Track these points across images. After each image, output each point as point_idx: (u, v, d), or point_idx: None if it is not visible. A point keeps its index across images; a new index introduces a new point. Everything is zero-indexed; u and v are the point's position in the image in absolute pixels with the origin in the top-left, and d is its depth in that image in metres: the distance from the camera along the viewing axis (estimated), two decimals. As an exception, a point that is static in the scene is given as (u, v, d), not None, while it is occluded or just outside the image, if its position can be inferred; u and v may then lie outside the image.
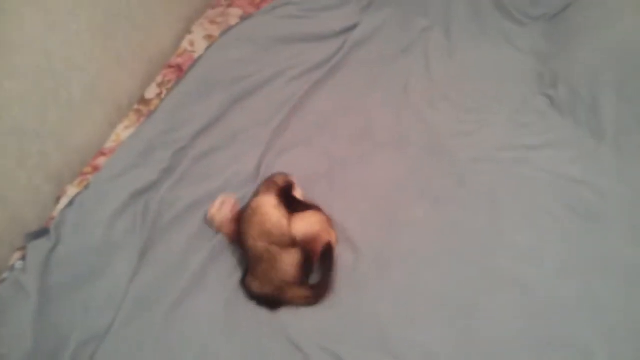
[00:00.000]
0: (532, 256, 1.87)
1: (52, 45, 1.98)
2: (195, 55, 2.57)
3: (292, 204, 1.92)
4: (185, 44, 2.65)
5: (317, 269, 1.83)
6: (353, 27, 2.65)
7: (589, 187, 2.04)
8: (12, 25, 1.79)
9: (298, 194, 1.98)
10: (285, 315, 1.74)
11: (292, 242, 1.80)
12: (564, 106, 2.29)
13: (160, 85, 2.48)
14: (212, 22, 2.77)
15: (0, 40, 1.75)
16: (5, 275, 1.81)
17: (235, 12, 2.83)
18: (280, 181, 1.96)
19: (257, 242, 1.78)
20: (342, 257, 1.88)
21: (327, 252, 1.83)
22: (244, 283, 1.80)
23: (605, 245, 1.89)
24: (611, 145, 2.14)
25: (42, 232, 1.90)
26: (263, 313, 1.76)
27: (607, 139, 2.16)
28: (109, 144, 2.25)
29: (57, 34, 1.98)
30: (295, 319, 1.73)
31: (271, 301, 1.77)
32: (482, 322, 1.72)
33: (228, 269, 1.86)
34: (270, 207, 1.85)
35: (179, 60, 2.57)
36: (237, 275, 1.84)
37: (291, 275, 1.76)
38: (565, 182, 2.06)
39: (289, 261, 1.76)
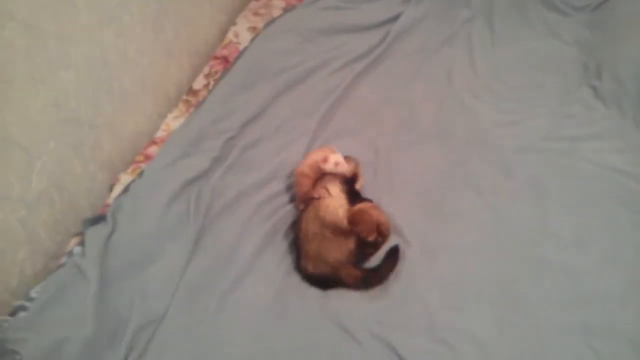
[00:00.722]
0: (578, 246, 1.89)
1: (106, 38, 2.03)
2: (240, 47, 2.62)
3: (353, 196, 1.96)
4: (230, 36, 2.70)
5: (380, 259, 1.86)
6: (395, 18, 2.67)
7: (634, 179, 2.05)
8: (69, 17, 1.84)
9: (360, 184, 2.02)
10: (337, 302, 1.78)
11: (345, 232, 1.84)
12: (608, 97, 2.29)
13: (207, 76, 2.53)
14: (256, 13, 2.81)
15: (57, 32, 1.80)
16: (64, 260, 1.87)
17: (278, 4, 2.87)
18: (347, 170, 1.99)
19: (309, 225, 1.83)
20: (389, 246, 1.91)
21: (394, 250, 1.85)
22: (298, 267, 1.85)
23: (651, 236, 1.90)
24: (657, 137, 2.15)
25: (98, 219, 1.96)
26: (314, 300, 1.80)
27: (653, 130, 2.16)
28: (160, 134, 2.31)
29: (110, 26, 2.03)
30: (346, 306, 1.77)
31: (325, 281, 1.82)
32: (528, 311, 1.75)
33: (279, 256, 1.90)
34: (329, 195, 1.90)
35: (225, 52, 2.62)
36: (288, 262, 1.89)
37: (342, 260, 1.81)
38: (610, 173, 2.08)
39: (341, 248, 1.80)
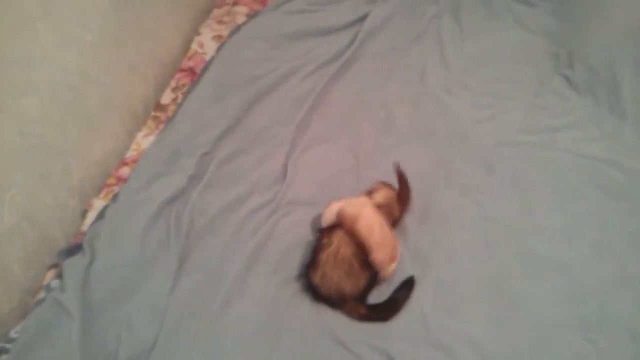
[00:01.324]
0: (567, 238, 1.88)
1: (68, 59, 1.94)
2: (207, 57, 2.56)
3: None
4: (194, 46, 2.63)
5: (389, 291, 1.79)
6: (363, 18, 2.63)
7: (614, 166, 2.06)
8: (28, 41, 1.75)
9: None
10: (331, 315, 1.74)
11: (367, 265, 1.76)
12: (582, 86, 2.30)
13: (174, 89, 2.46)
14: (220, 21, 2.75)
15: (17, 57, 1.71)
16: (42, 295, 1.80)
17: (242, 10, 2.81)
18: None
19: (342, 245, 1.74)
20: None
21: (408, 284, 1.79)
22: (309, 275, 1.78)
23: (635, 223, 1.92)
24: (633, 123, 2.17)
25: (74, 249, 1.88)
26: (307, 315, 1.75)
27: (628, 116, 2.18)
28: (130, 153, 2.23)
29: (72, 47, 1.95)
30: (340, 320, 1.72)
31: (323, 299, 1.77)
32: (523, 308, 1.73)
33: (268, 272, 1.85)
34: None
35: (191, 63, 2.55)
36: (278, 277, 1.83)
37: (355, 295, 1.74)
38: (591, 162, 2.08)
39: (358, 283, 1.74)
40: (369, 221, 1.76)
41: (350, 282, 1.72)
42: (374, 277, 1.77)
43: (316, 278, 1.75)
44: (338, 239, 1.75)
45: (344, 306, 1.74)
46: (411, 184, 1.98)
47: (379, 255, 1.73)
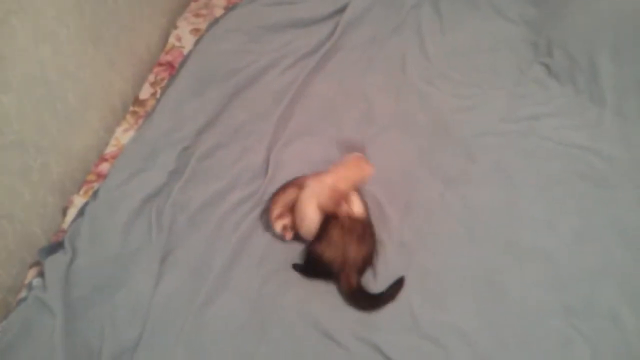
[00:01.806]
0: (550, 226, 1.89)
1: (44, 55, 1.91)
2: (185, 51, 2.53)
3: None
4: (172, 40, 2.60)
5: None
6: (342, 9, 2.60)
7: (595, 154, 2.07)
8: (3, 37, 1.72)
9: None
10: (316, 307, 1.73)
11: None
12: (562, 74, 2.31)
13: (153, 84, 2.43)
14: (197, 14, 2.72)
15: (-8, 54, 1.69)
16: (23, 294, 1.77)
17: (219, 3, 2.78)
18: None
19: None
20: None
21: (399, 282, 1.78)
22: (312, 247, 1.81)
23: (617, 210, 1.93)
24: (612, 110, 2.18)
25: (55, 247, 1.86)
26: (293, 308, 1.74)
27: (608, 104, 2.19)
28: (110, 149, 2.20)
29: (48, 42, 1.91)
30: (326, 311, 1.72)
31: (320, 270, 1.79)
32: (508, 296, 1.74)
33: (252, 266, 1.84)
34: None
35: (169, 57, 2.52)
36: (262, 270, 1.83)
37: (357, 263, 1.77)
38: (572, 150, 2.09)
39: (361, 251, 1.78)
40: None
41: (356, 247, 1.75)
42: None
43: (321, 246, 1.77)
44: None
45: (340, 274, 1.74)
46: (394, 176, 2.00)
47: None
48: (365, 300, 1.74)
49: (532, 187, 1.99)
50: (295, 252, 1.87)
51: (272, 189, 1.99)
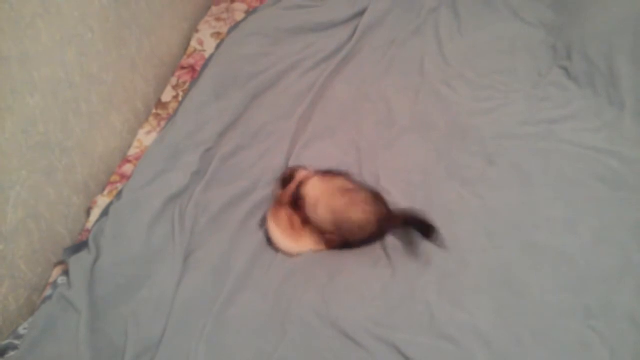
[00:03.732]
0: (568, 229, 1.88)
1: (69, 57, 1.95)
2: (206, 54, 2.57)
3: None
4: (194, 44, 2.64)
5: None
6: (361, 12, 2.63)
7: (614, 157, 2.06)
8: (30, 39, 1.76)
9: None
10: (335, 307, 1.74)
11: None
12: (580, 77, 2.31)
13: (175, 87, 2.47)
14: (218, 19, 2.76)
15: (20, 55, 1.72)
16: (49, 292, 1.81)
17: (240, 7, 2.82)
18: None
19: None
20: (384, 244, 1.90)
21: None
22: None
23: (636, 212, 1.91)
24: (632, 113, 2.16)
25: (80, 246, 1.90)
26: (312, 307, 1.75)
27: (627, 107, 2.18)
28: (133, 151, 2.25)
29: (72, 45, 1.96)
30: (345, 310, 1.73)
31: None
32: (526, 297, 1.74)
33: (272, 267, 1.86)
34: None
35: (191, 61, 2.56)
36: (282, 271, 1.85)
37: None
38: (591, 153, 2.08)
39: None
40: None
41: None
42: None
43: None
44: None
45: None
46: (412, 177, 2.02)
47: None
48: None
49: (550, 189, 1.99)
50: (315, 253, 1.90)
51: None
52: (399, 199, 1.99)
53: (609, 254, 1.82)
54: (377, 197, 1.89)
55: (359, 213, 1.82)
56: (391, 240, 1.90)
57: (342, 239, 1.87)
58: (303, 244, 1.88)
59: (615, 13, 2.31)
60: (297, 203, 1.87)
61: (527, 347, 1.64)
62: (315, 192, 1.86)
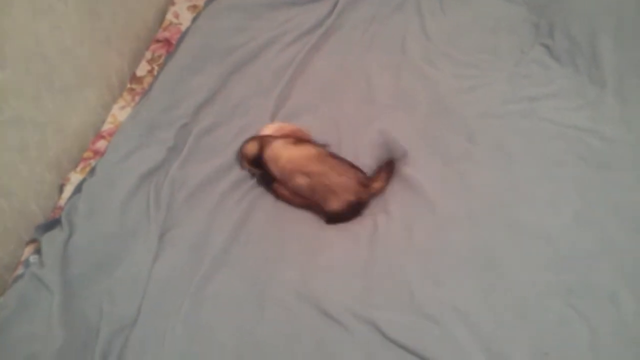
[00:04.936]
0: (550, 207, 1.89)
1: (42, 30, 1.89)
2: (182, 28, 2.51)
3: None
4: (169, 17, 2.57)
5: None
6: (343, -14, 2.59)
7: (595, 135, 2.06)
8: (1, 12, 1.70)
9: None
10: (315, 285, 1.73)
11: None
12: (562, 55, 2.30)
13: (150, 61, 2.41)
14: (195, -9, 2.69)
15: (-11, 28, 1.67)
16: (20, 271, 1.77)
17: (218, -20, 2.74)
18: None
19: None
20: (363, 224, 1.88)
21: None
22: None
23: (617, 191, 1.92)
24: (613, 92, 2.16)
25: (53, 223, 1.86)
26: (292, 285, 1.73)
27: (608, 86, 2.17)
28: (107, 126, 2.19)
29: (45, 17, 1.89)
30: (325, 289, 1.72)
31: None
32: (507, 276, 1.73)
33: (251, 244, 1.84)
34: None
35: (166, 34, 2.50)
36: (261, 248, 1.83)
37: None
38: (572, 131, 2.08)
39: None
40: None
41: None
42: None
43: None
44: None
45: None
46: (393, 155, 1.99)
47: None
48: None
49: (532, 168, 1.98)
50: (295, 231, 1.87)
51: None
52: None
53: (590, 233, 1.82)
54: (353, 165, 1.92)
55: (336, 177, 1.84)
56: (370, 218, 1.88)
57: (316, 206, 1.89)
58: None
59: (597, -8, 2.30)
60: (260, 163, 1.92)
61: (507, 325, 1.64)
62: (290, 157, 1.89)
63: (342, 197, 1.83)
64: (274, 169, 1.90)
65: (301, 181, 1.85)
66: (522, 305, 1.68)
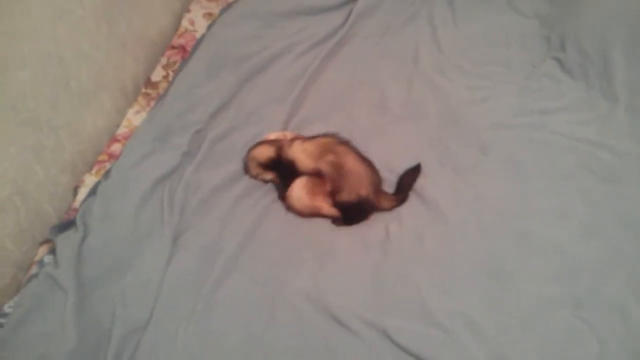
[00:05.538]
0: (559, 219, 1.90)
1: (60, 33, 1.91)
2: (197, 35, 2.53)
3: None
4: (185, 23, 2.60)
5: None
6: (355, -3, 2.61)
7: (605, 149, 2.07)
8: (21, 14, 1.72)
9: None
10: (325, 291, 1.74)
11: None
12: (574, 69, 2.31)
13: (165, 67, 2.44)
14: (210, -1, 2.73)
15: (10, 30, 1.68)
16: (34, 270, 1.79)
17: (232, -12, 2.77)
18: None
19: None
20: (374, 231, 1.89)
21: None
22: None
23: (626, 204, 1.93)
24: (624, 106, 2.17)
25: (67, 225, 1.88)
26: (302, 292, 1.75)
27: (619, 100, 2.18)
28: (122, 130, 2.22)
29: (63, 20, 1.92)
30: (335, 295, 1.73)
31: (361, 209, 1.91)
32: (516, 286, 1.75)
33: (262, 250, 1.85)
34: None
35: (181, 41, 2.53)
36: (273, 254, 1.84)
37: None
38: (582, 145, 2.09)
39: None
40: None
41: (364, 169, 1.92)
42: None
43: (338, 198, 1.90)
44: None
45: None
46: (405, 165, 2.03)
47: None
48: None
49: (542, 180, 1.99)
50: (307, 237, 1.89)
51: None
52: (390, 186, 1.99)
53: (599, 245, 1.83)
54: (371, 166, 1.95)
55: (354, 162, 1.89)
56: (381, 226, 1.90)
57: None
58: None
59: (609, 6, 2.31)
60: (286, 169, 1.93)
61: (515, 335, 1.65)
62: (306, 152, 1.93)
63: (354, 191, 1.86)
64: (303, 160, 1.92)
65: (326, 166, 1.89)
66: (530, 316, 1.69)
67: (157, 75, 2.41)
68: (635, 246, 1.82)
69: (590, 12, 2.35)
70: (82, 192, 2.00)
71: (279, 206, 1.96)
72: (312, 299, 1.73)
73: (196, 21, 2.61)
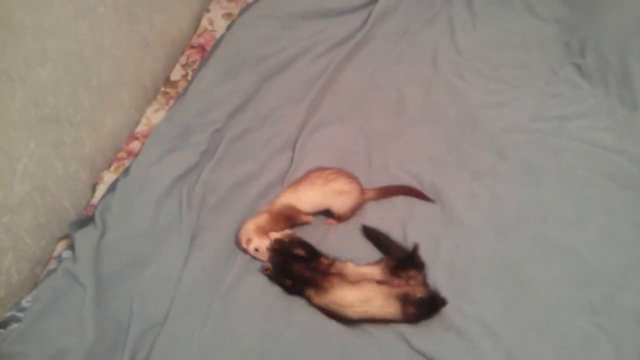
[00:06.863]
0: (576, 225, 1.89)
1: (82, 30, 1.93)
2: (217, 34, 2.55)
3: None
4: (204, 23, 2.62)
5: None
6: (374, 0, 2.61)
7: (624, 156, 2.06)
8: (44, 11, 1.74)
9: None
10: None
11: None
12: (593, 75, 2.30)
13: (184, 66, 2.45)
14: (229, -1, 2.74)
15: (32, 26, 1.70)
16: (52, 265, 1.80)
17: (252, -12, 2.78)
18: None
19: None
20: (393, 234, 1.88)
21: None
22: None
23: (644, 212, 1.92)
24: (644, 114, 2.16)
25: (85, 221, 1.89)
26: (319, 293, 1.75)
27: (639, 107, 2.16)
28: (141, 128, 2.23)
29: (86, 18, 1.93)
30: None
31: None
32: (533, 292, 1.74)
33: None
34: None
35: (201, 40, 2.54)
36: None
37: None
38: (601, 151, 2.08)
39: None
40: None
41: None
42: None
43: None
44: None
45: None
46: (422, 168, 2.02)
47: None
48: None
49: (560, 186, 1.99)
50: (322, 236, 1.89)
51: (298, 174, 2.01)
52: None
53: (616, 251, 1.83)
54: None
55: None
56: (398, 230, 1.90)
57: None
58: None
59: (629, 12, 2.31)
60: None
61: (532, 341, 1.65)
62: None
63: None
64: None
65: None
66: (546, 321, 1.69)
67: (176, 74, 2.43)
68: (652, 254, 1.81)
69: (610, 18, 2.35)
70: (101, 189, 2.02)
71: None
72: (329, 300, 1.73)
73: (215, 21, 2.63)
